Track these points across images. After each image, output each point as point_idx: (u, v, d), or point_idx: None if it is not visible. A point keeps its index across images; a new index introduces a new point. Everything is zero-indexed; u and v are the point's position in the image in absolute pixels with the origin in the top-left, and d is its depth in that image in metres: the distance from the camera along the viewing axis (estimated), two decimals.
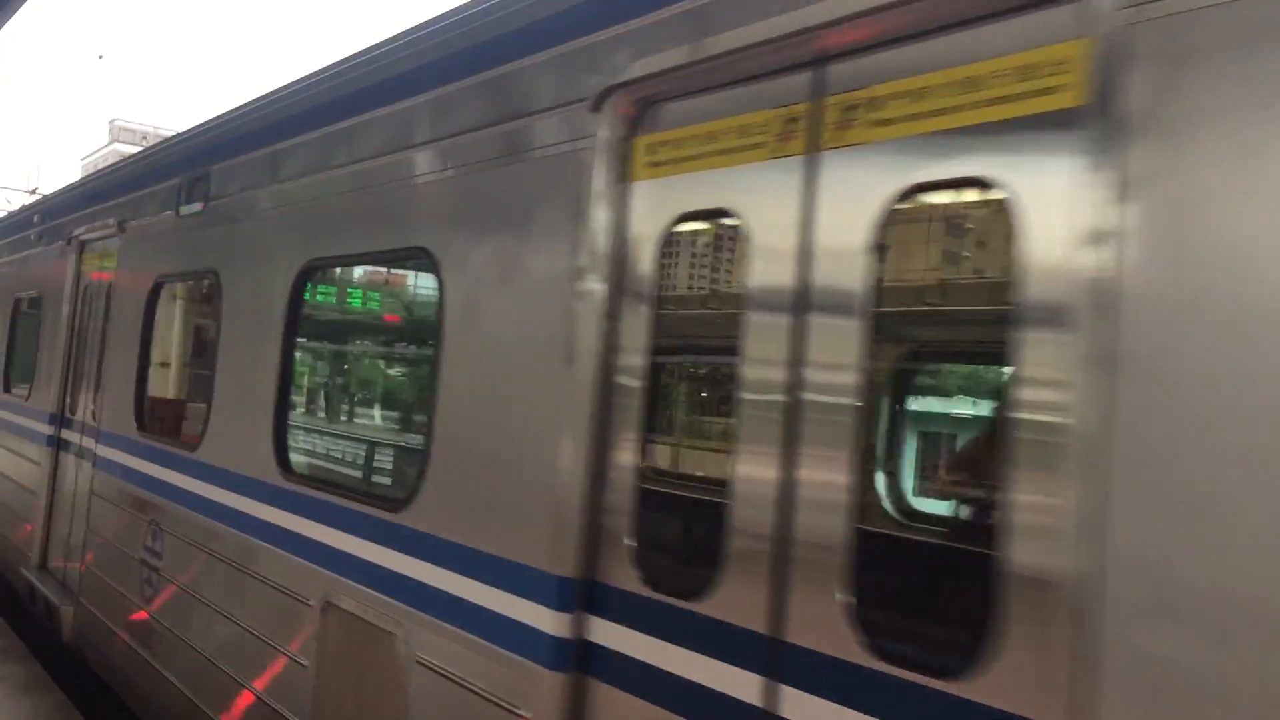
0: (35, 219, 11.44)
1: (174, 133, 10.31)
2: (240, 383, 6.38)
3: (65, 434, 10.01)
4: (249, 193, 6.56)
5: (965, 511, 4.78)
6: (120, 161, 9.25)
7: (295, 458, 5.92)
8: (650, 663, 3.43)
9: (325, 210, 5.66)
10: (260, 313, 6.15)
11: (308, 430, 7.68)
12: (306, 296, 5.96)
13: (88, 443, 9.26)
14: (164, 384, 8.32)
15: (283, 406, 5.85)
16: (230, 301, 6.64)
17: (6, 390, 12.03)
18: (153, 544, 7.33)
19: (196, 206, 7.36)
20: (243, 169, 6.74)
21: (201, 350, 7.81)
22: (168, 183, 7.99)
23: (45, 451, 10.16)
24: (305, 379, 7.94)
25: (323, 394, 9.15)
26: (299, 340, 6.02)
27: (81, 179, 10.19)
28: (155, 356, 8.09)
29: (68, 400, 10.07)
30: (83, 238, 10.09)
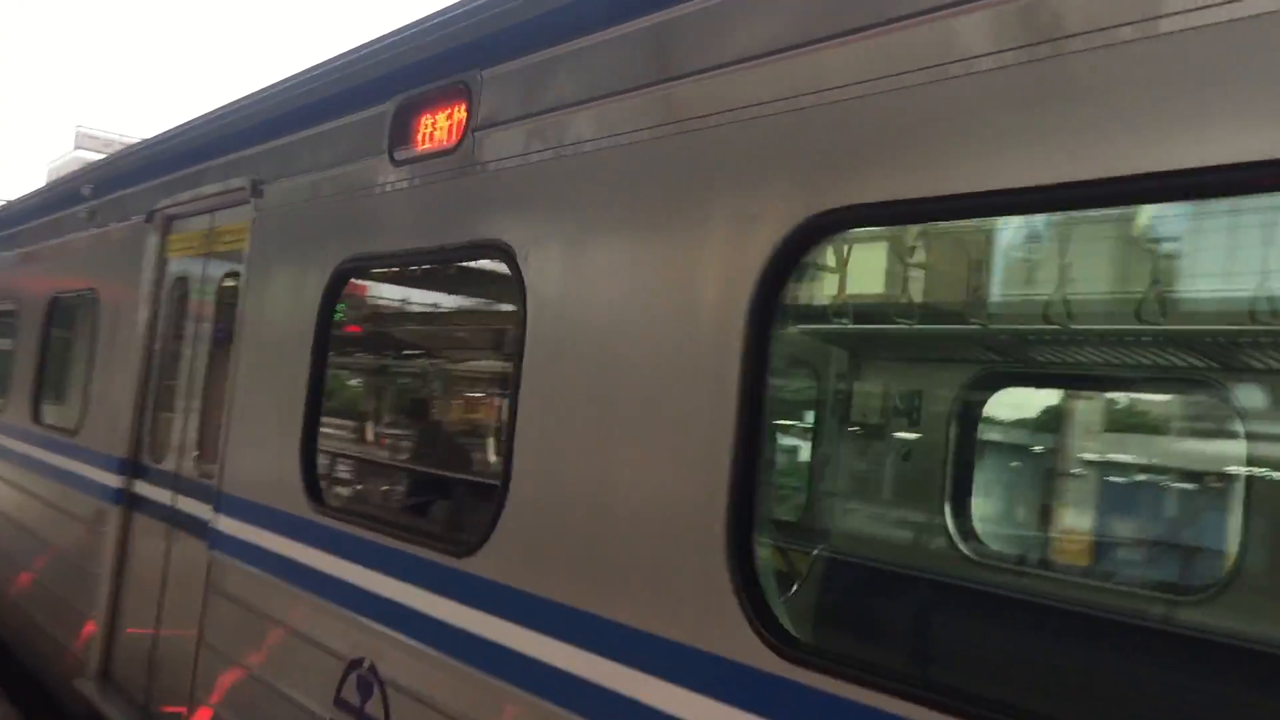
0: (86, 192, 8.32)
1: (142, 140, 7.37)
2: (594, 438, 3.40)
3: (142, 488, 6.92)
4: (598, 106, 3.57)
5: None
6: (248, 97, 6.22)
7: (800, 608, 2.97)
8: None
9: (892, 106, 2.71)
10: (661, 314, 3.20)
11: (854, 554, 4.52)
12: (820, 276, 3.02)
13: (190, 507, 6.19)
14: (366, 433, 5.29)
15: (745, 491, 2.89)
16: (546, 297, 3.66)
17: (37, 420, 8.86)
18: (361, 701, 4.30)
19: (439, 142, 4.38)
20: (583, 60, 3.76)
21: (458, 380, 4.81)
22: (359, 115, 5.00)
23: (109, 511, 7.05)
24: (830, 433, 4.73)
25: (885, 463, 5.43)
26: (792, 358, 3.05)
27: (169, 130, 7.14)
28: (340, 388, 5.06)
29: (146, 440, 6.98)
30: (171, 211, 7.01)
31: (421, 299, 5.53)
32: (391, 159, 4.67)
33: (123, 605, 6.88)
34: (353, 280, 5.10)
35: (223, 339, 6.48)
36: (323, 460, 5.07)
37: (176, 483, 6.43)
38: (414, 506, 5.11)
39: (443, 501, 4.83)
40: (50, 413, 8.94)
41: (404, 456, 5.51)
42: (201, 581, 5.73)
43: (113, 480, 7.07)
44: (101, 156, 12.94)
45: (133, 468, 7.02)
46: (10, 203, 10.72)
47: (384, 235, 4.70)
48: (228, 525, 5.58)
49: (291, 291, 5.32)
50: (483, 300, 5.03)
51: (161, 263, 7.12)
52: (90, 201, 8.27)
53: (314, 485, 4.92)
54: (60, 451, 8.08)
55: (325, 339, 5.00)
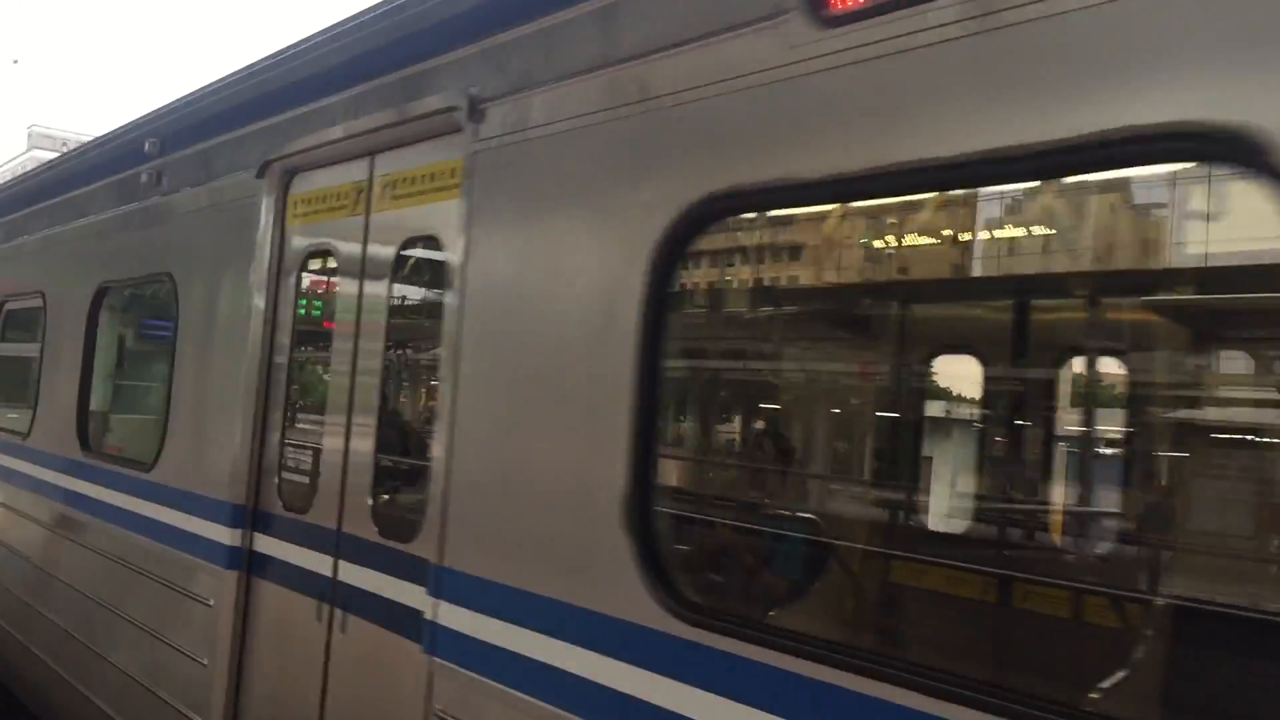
0: (149, 148, 6.17)
1: (244, 67, 5.33)
2: None
3: (270, 546, 4.86)
4: None
5: None
6: None
7: None
8: None
9: None
10: None
11: None
12: None
13: (370, 582, 4.17)
14: (785, 485, 3.27)
15: None
16: None
17: (85, 447, 6.71)
18: None
19: None
20: None
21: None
22: None
23: (221, 578, 4.97)
24: None
25: None
26: None
27: (294, 46, 5.01)
28: (706, 404, 3.09)
29: (272, 479, 4.91)
30: (297, 160, 4.93)
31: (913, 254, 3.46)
32: (818, 17, 2.65)
33: (246, 702, 4.83)
34: (718, 228, 3.09)
35: (402, 336, 4.45)
36: (678, 528, 3.06)
37: (339, 544, 4.39)
38: (942, 627, 3.07)
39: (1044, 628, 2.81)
40: (103, 438, 6.82)
41: (895, 538, 3.45)
42: (415, 702, 3.69)
43: (224, 535, 4.99)
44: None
45: (253, 518, 4.96)
46: (28, 173, 8.49)
47: (803, 148, 2.68)
48: (462, 621, 3.55)
49: (573, 256, 3.29)
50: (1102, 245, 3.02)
51: (281, 232, 5.04)
52: (156, 160, 6.13)
53: (660, 571, 2.90)
54: (129, 491, 5.96)
55: (658, 325, 2.97)
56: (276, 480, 4.87)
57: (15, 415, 8.14)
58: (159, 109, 6.18)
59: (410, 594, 3.94)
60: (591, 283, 3.19)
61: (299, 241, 4.95)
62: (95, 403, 6.85)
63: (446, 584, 3.63)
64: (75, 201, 7.29)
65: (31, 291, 7.86)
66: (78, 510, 6.55)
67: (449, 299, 3.79)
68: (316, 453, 4.63)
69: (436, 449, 3.75)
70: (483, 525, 3.53)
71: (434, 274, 4.25)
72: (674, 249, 2.96)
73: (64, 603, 6.58)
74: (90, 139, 7.75)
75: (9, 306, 8.54)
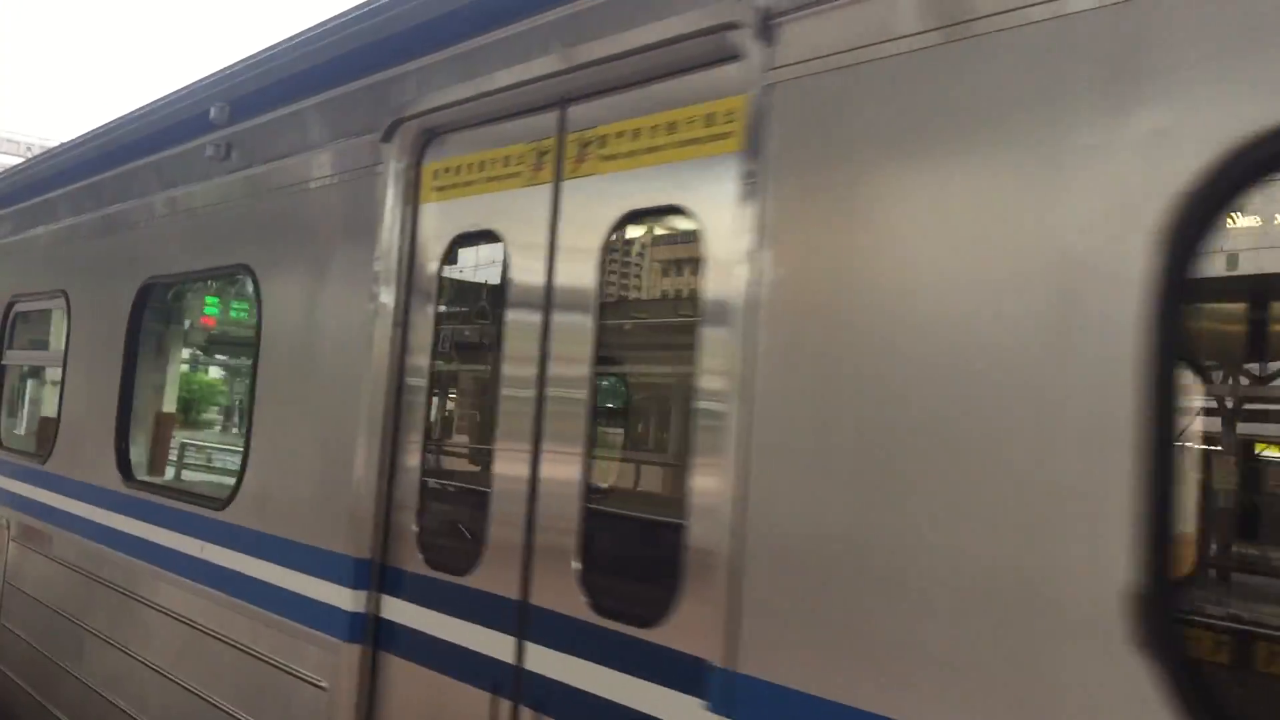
0: (214, 114, 4.95)
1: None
2: None
3: (401, 611, 3.68)
4: None
5: None
6: None
7: None
8: None
9: None
10: None
11: None
12: None
13: (576, 675, 3.02)
14: None
15: None
16: None
17: (128, 478, 5.46)
18: None
19: None
20: None
21: None
22: None
23: (336, 653, 3.79)
24: None
25: None
26: None
27: None
28: None
29: (415, 529, 3.72)
30: (433, 119, 3.76)
31: None
32: None
33: None
34: None
35: (621, 340, 3.31)
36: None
37: (524, 620, 3.23)
38: None
39: None
40: (147, 465, 5.59)
41: None
42: None
43: (341, 597, 3.81)
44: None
45: (380, 578, 3.78)
46: (45, 154, 7.21)
47: None
48: None
49: (981, 223, 2.18)
50: None
51: (413, 211, 3.86)
52: (226, 128, 4.92)
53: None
54: (194, 534, 4.75)
55: (1177, 324, 1.87)
56: (415, 529, 3.69)
57: (30, 435, 6.86)
58: (229, 65, 4.97)
59: (657, 701, 2.81)
60: (1028, 262, 2.08)
61: (442, 222, 3.78)
62: (138, 430, 5.60)
63: (745, 699, 2.49)
64: (109, 183, 6.04)
65: (51, 291, 6.58)
66: (120, 553, 5.31)
67: (721, 291, 2.67)
68: (482, 495, 3.46)
69: (708, 498, 2.62)
70: (814, 619, 2.39)
71: (678, 256, 3.13)
72: (1216, 205, 1.85)
73: (109, 670, 5.33)
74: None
75: (19, 308, 7.25)
